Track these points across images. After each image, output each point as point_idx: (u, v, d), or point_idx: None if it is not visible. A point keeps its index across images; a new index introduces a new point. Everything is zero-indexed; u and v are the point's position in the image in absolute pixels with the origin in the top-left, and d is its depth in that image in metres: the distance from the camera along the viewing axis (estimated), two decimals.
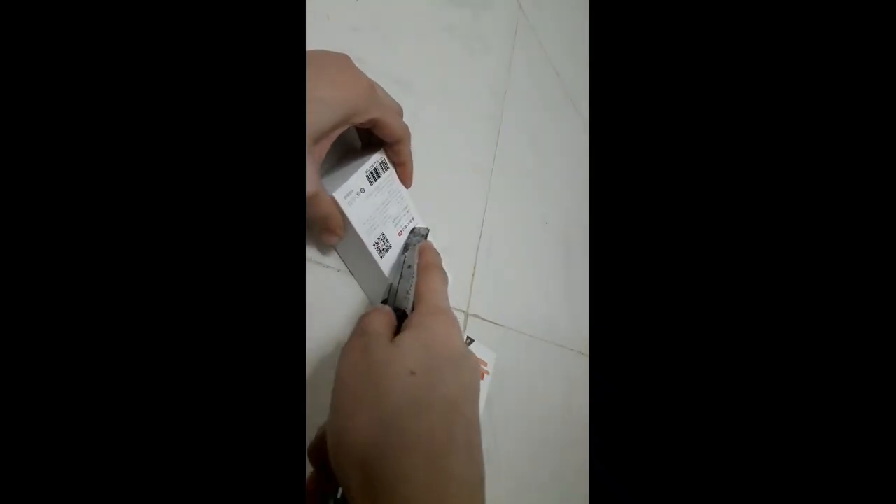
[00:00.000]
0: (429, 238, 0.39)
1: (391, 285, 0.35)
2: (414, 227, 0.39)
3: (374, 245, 0.34)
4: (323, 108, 0.28)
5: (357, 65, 0.39)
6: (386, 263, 0.35)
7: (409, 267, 0.35)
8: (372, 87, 0.31)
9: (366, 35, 0.41)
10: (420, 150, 0.45)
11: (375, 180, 0.34)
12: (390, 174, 0.36)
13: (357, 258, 0.36)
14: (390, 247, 0.36)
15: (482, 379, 0.44)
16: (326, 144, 0.30)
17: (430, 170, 0.47)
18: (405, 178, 0.37)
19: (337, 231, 0.33)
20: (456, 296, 0.49)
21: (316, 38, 0.36)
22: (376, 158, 0.35)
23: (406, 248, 0.37)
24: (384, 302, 0.34)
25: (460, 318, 0.50)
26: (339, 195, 0.32)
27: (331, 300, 0.37)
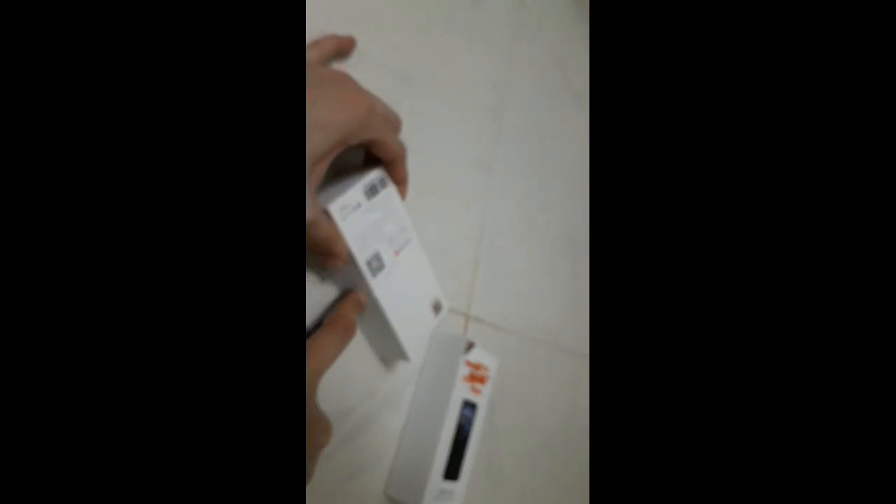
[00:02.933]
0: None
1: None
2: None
3: (367, 263, 0.33)
4: (321, 133, 0.28)
5: (357, 58, 0.38)
6: (378, 284, 0.34)
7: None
8: (370, 106, 0.30)
9: (365, 27, 0.39)
10: (420, 145, 0.43)
11: (373, 196, 0.33)
12: (390, 192, 0.35)
13: (347, 277, 0.34)
14: (384, 266, 0.34)
15: (483, 385, 0.43)
16: (324, 166, 0.29)
17: (430, 166, 0.45)
18: (400, 195, 0.36)
19: (340, 255, 0.31)
20: (456, 297, 0.48)
21: (315, 32, 0.35)
22: (376, 175, 0.34)
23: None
24: None
25: (460, 320, 0.48)
26: (334, 208, 0.30)
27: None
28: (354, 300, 0.34)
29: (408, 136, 0.42)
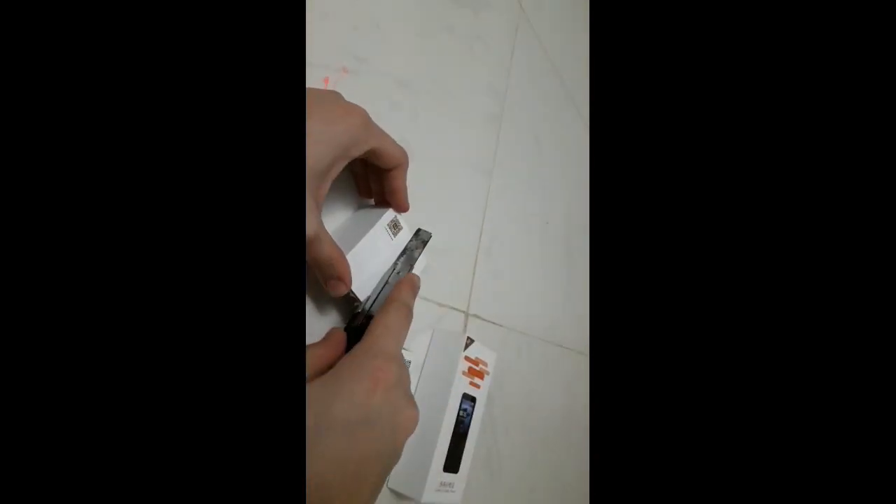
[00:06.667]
0: (430, 241, 0.39)
1: (372, 291, 0.34)
2: (419, 230, 0.39)
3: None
4: (320, 144, 0.27)
5: (357, 64, 0.39)
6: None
7: (398, 273, 0.35)
8: (366, 116, 0.30)
9: (366, 34, 0.41)
10: (420, 150, 0.45)
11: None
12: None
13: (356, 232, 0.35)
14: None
15: (482, 379, 0.44)
16: (327, 184, 0.29)
17: (430, 170, 0.47)
18: (401, 204, 0.36)
19: (344, 279, 0.30)
20: (456, 296, 0.49)
21: (316, 38, 0.36)
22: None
23: (403, 252, 0.37)
24: (362, 309, 0.33)
25: (460, 318, 0.50)
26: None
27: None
28: (410, 282, 0.33)
29: (409, 140, 0.43)
